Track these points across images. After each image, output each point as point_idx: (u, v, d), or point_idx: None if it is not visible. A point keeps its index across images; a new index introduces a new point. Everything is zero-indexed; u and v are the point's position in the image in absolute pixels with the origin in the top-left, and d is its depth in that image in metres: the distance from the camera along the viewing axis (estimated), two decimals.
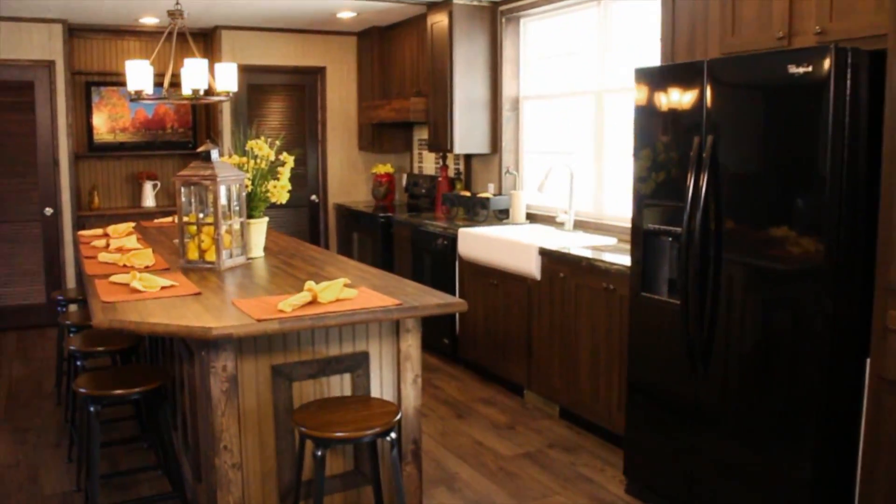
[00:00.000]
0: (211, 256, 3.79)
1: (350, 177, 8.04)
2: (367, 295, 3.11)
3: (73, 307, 4.99)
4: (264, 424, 3.07)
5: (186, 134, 7.66)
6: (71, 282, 6.98)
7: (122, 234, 5.00)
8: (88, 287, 3.36)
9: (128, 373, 3.34)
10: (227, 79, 4.46)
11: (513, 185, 6.30)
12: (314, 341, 3.10)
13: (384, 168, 7.73)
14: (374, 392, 3.28)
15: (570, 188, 5.48)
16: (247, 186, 4.00)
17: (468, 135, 6.36)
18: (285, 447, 3.10)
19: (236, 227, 3.90)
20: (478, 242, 5.39)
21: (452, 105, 6.29)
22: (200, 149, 3.81)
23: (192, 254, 3.83)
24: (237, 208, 3.89)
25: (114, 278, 3.44)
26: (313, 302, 2.95)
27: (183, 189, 3.82)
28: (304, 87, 7.94)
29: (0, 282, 6.80)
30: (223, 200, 3.75)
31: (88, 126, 7.32)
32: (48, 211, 6.87)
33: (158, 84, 4.91)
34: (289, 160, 4.18)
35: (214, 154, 3.79)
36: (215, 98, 4.52)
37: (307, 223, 7.98)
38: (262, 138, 4.10)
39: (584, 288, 4.42)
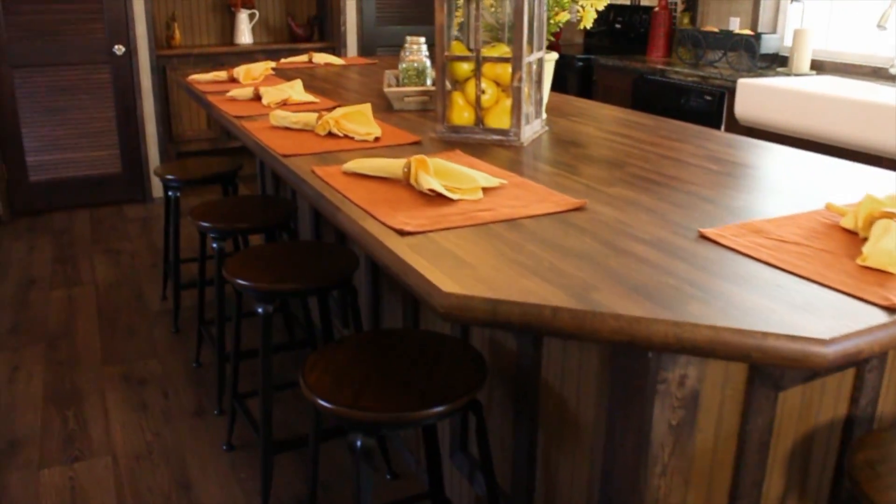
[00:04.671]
0: (498, 120, 2.04)
1: None
2: None
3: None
4: (717, 477, 1.46)
5: None
6: (152, 144, 5.28)
7: (259, 79, 3.28)
8: (316, 191, 1.65)
9: (394, 345, 1.68)
10: None
11: (773, 19, 4.39)
12: None
13: None
14: (882, 402, 1.65)
15: None
16: None
17: None
18: None
19: (534, 68, 2.13)
20: (777, 100, 3.56)
21: None
22: None
23: (458, 115, 2.09)
24: (536, 37, 2.11)
25: (352, 166, 1.72)
26: None
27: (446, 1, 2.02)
28: None
29: (64, 145, 5.10)
30: (525, 21, 1.97)
31: None
32: (118, 49, 5.08)
33: None
34: None
35: None
36: None
37: None
38: None
39: None
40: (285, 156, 1.92)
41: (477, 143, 2.05)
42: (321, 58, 4.00)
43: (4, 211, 4.98)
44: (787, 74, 4.10)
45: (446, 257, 1.22)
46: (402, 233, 1.32)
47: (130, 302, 3.72)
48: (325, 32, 5.87)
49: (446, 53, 2.03)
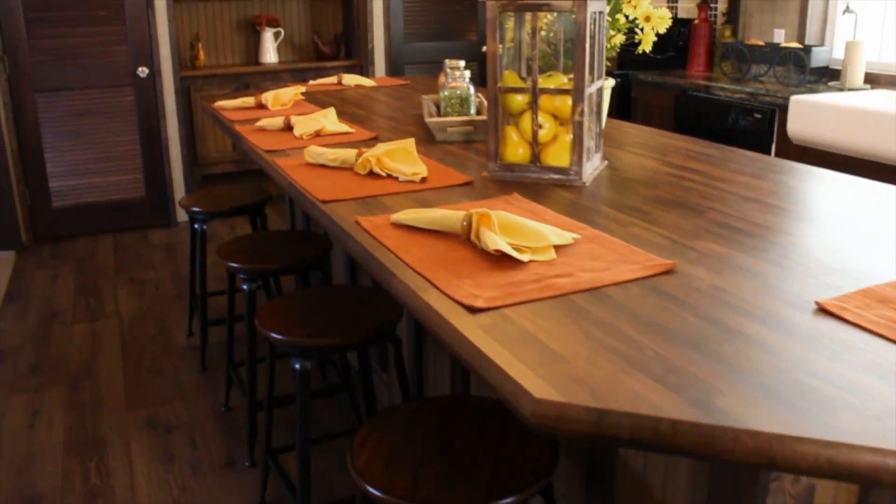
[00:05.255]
0: (557, 157, 1.86)
1: None
2: None
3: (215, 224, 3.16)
4: None
5: None
6: (176, 168, 5.14)
7: (288, 105, 3.13)
8: (364, 249, 1.47)
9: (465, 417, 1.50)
10: None
11: (821, 30, 4.18)
12: None
13: None
14: None
15: None
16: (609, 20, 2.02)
17: None
18: None
19: (594, 98, 1.94)
20: (834, 117, 3.35)
21: None
22: None
23: (512, 152, 1.90)
24: (596, 64, 1.93)
25: (403, 218, 1.54)
26: None
27: (500, 19, 1.84)
28: None
29: (87, 170, 4.99)
30: (587, 49, 1.78)
31: None
32: (142, 71, 4.95)
33: None
34: None
35: None
36: None
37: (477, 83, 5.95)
38: None
39: None
40: (324, 201, 1.75)
41: (533, 182, 1.87)
42: (351, 79, 3.84)
43: (27, 237, 4.87)
44: (840, 89, 3.89)
45: (529, 344, 1.04)
46: (472, 309, 1.14)
47: (155, 337, 3.57)
48: (351, 50, 5.73)
49: (500, 84, 1.85)
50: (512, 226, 1.38)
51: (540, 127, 1.86)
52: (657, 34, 2.15)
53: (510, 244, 1.34)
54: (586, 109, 1.80)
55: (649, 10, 2.10)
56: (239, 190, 3.35)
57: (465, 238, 1.43)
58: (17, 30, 4.64)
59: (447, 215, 1.47)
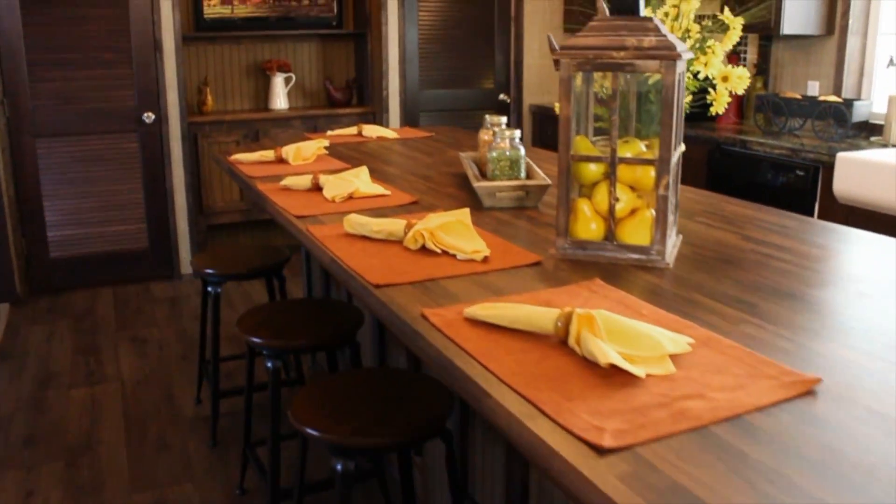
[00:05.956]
0: (635, 234, 1.65)
1: (552, 69, 5.81)
2: None
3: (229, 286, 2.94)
4: None
5: (329, 7, 5.43)
6: (181, 217, 4.93)
7: (311, 160, 2.95)
8: (441, 356, 1.25)
9: None
10: None
11: (857, 83, 4.03)
12: None
13: None
14: None
15: None
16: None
17: (796, 8, 4.09)
18: None
19: (675, 168, 1.74)
20: (885, 176, 3.18)
21: None
22: None
23: (584, 228, 1.70)
24: (677, 130, 1.73)
25: (480, 314, 1.32)
26: None
27: (578, 80, 1.65)
28: None
29: (88, 219, 4.77)
30: (675, 114, 1.59)
31: None
32: (148, 117, 4.77)
33: None
34: (735, 24, 1.97)
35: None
36: None
37: None
38: None
39: None
40: (378, 286, 1.53)
41: (609, 262, 1.66)
42: (372, 130, 3.66)
43: (22, 289, 4.62)
44: (884, 145, 3.73)
45: None
46: (599, 449, 0.92)
47: (160, 405, 3.32)
48: (364, 96, 5.56)
49: (572, 153, 1.65)
50: (617, 328, 1.17)
51: (617, 200, 1.65)
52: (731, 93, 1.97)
53: (620, 353, 1.12)
54: (671, 183, 1.60)
55: (727, 69, 1.91)
56: (253, 249, 3.13)
57: (557, 340, 1.21)
58: (19, 72, 4.45)
59: (535, 314, 1.25)
